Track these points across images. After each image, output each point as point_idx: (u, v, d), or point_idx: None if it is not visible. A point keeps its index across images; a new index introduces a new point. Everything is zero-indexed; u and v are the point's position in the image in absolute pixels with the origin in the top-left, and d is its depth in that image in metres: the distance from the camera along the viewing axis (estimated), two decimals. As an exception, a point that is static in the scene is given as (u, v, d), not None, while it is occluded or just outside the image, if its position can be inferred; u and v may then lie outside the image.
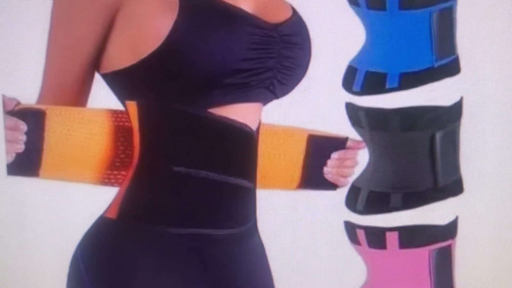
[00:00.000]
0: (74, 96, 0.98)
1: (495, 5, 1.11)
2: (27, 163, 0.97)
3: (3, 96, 0.97)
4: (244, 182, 0.97)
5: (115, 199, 0.96)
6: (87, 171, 0.99)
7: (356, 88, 1.11)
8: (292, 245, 1.12)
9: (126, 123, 0.97)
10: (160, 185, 0.95)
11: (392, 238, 1.15)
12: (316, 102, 1.08)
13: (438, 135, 1.12)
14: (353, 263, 1.16)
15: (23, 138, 0.96)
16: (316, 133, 1.09)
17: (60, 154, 0.97)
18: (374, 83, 1.11)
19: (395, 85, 1.10)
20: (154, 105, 0.93)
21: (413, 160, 1.14)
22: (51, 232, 1.11)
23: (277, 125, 1.07)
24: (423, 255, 1.16)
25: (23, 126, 0.95)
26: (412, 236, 1.15)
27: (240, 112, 0.94)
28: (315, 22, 0.99)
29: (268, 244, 1.03)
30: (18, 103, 0.97)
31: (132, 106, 0.94)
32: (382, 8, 1.08)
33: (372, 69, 1.11)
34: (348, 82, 1.11)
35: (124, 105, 0.96)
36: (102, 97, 0.97)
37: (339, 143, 1.10)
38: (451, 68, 1.11)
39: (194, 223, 0.94)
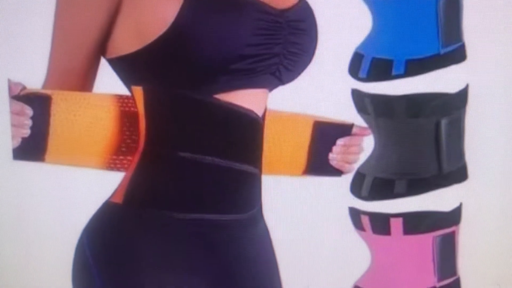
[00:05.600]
0: (80, 81, 0.98)
1: (501, -8, 1.11)
2: (32, 147, 0.97)
3: (9, 80, 0.98)
4: (250, 168, 0.97)
5: (120, 184, 0.96)
6: (93, 156, 1.00)
7: (362, 74, 1.11)
8: (297, 230, 1.13)
9: (132, 108, 0.97)
10: (165, 170, 0.95)
11: (396, 224, 1.15)
12: (322, 89, 1.08)
13: (443, 122, 1.13)
14: (357, 249, 1.16)
15: (29, 122, 0.96)
16: (322, 120, 1.09)
17: (65, 139, 0.98)
18: (380, 69, 1.11)
19: (401, 71, 1.10)
20: (160, 90, 0.93)
21: (418, 147, 1.14)
22: (57, 217, 1.11)
23: (283, 111, 1.07)
24: (427, 241, 1.17)
25: (29, 111, 0.96)
26: (416, 222, 1.16)
27: (246, 98, 0.94)
28: (322, 8, 0.99)
29: (273, 230, 1.04)
30: (24, 87, 0.97)
31: (138, 91, 0.94)
32: (389, -6, 1.09)
33: (378, 56, 1.11)
34: (354, 69, 1.11)
35: (130, 90, 0.96)
36: (108, 82, 0.97)
37: (344, 130, 1.11)
38: (457, 55, 1.11)
39: (199, 209, 0.95)
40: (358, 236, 1.16)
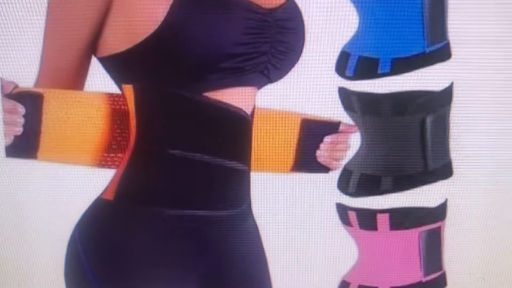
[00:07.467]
0: (72, 80, 0.98)
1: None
2: (25, 145, 0.98)
3: (1, 79, 0.98)
4: (239, 165, 0.98)
5: (112, 181, 0.97)
6: (84, 154, 1.01)
7: (349, 73, 1.11)
8: (285, 226, 1.12)
9: (123, 106, 0.98)
10: (156, 167, 0.96)
11: (383, 220, 1.15)
12: (309, 87, 1.08)
13: (429, 120, 1.12)
14: (344, 244, 1.16)
15: (21, 120, 0.97)
16: (310, 117, 1.10)
17: (57, 137, 0.98)
18: (367, 68, 1.10)
19: (387, 70, 1.10)
20: (150, 88, 0.94)
21: (404, 144, 1.14)
22: (48, 213, 1.11)
23: (271, 109, 1.07)
24: (413, 236, 1.17)
25: (21, 109, 0.97)
26: (402, 218, 1.15)
27: (235, 96, 0.95)
28: (309, 7, 1.00)
29: (262, 226, 1.05)
30: (16, 86, 0.98)
31: (129, 89, 0.95)
32: (374, -7, 1.08)
33: (365, 54, 1.10)
34: (341, 67, 1.10)
35: (121, 88, 0.96)
36: (99, 80, 0.98)
37: (332, 127, 1.11)
38: (442, 53, 1.11)
39: (190, 205, 0.96)
40: (346, 231, 1.17)
